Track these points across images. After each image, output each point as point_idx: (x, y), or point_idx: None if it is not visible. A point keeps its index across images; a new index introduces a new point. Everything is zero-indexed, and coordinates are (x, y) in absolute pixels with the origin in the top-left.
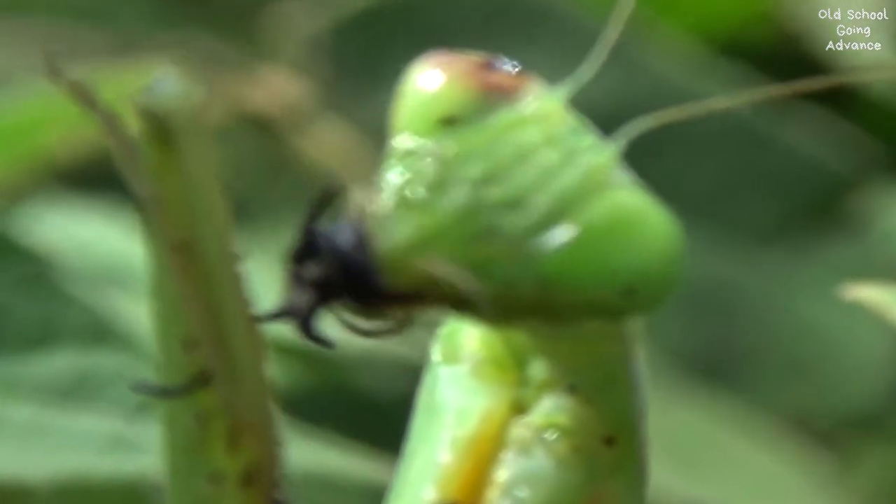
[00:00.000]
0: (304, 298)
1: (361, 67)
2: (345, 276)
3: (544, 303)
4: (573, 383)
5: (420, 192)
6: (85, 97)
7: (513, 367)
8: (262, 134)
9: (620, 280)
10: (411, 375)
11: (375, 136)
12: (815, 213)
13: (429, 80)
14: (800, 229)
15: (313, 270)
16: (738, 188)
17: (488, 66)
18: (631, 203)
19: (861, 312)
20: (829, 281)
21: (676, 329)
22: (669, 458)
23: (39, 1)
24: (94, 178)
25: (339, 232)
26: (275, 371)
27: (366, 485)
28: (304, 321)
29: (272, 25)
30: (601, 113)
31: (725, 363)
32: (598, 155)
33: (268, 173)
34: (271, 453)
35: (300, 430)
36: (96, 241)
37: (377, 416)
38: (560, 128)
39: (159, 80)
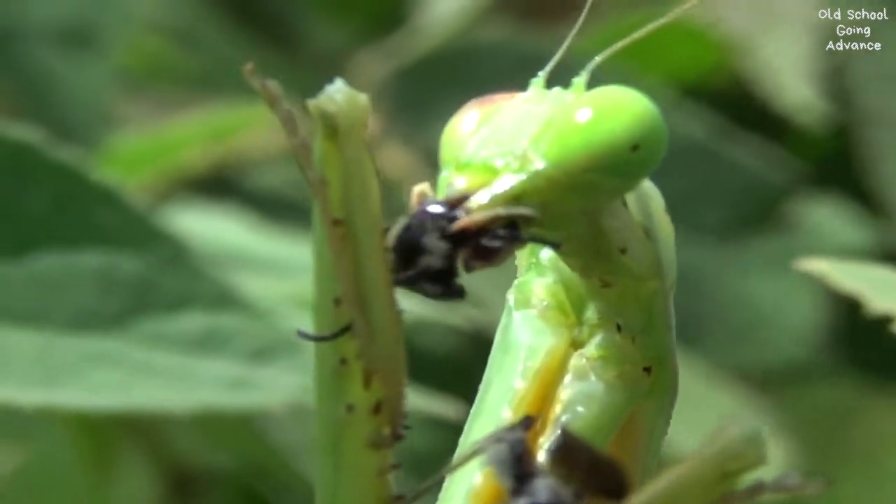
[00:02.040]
0: (437, 262)
1: (418, 105)
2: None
3: (572, 182)
4: (620, 324)
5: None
6: (271, 97)
7: (572, 311)
8: None
9: (629, 137)
10: (458, 338)
11: (429, 158)
12: (755, 216)
13: (453, 128)
14: (744, 228)
15: (432, 233)
16: (696, 197)
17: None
18: (613, 88)
19: (790, 290)
20: (767, 266)
21: None
22: None
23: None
24: (217, 186)
25: (429, 210)
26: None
27: (425, 417)
28: (440, 281)
29: (350, 71)
30: None
31: (688, 329)
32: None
33: None
34: (397, 393)
35: None
36: (220, 233)
37: (431, 368)
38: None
39: (331, 87)
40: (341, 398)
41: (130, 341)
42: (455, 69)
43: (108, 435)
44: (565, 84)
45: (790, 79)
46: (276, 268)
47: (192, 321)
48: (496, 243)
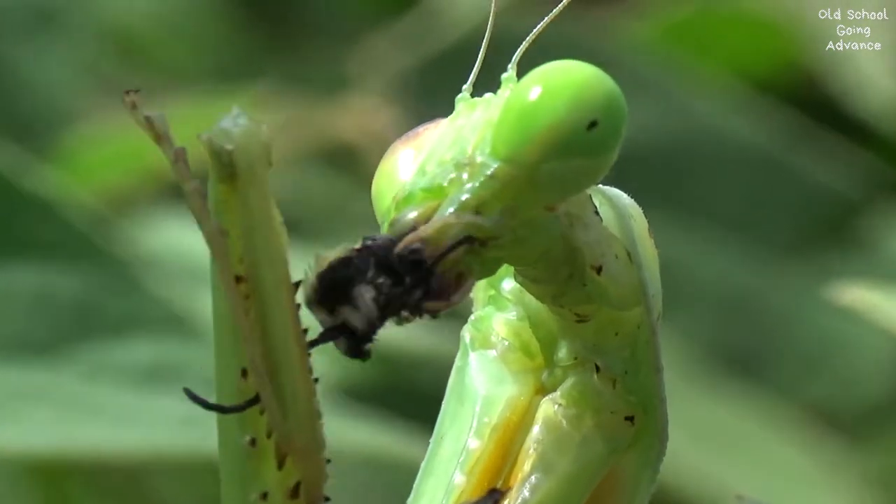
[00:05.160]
0: (364, 314)
1: (443, 100)
2: (397, 269)
3: (531, 177)
4: (598, 364)
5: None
6: (155, 132)
7: (540, 351)
8: (347, 160)
9: (583, 113)
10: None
11: None
12: (828, 231)
13: (385, 176)
14: (815, 244)
15: (370, 285)
16: (760, 209)
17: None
18: (557, 62)
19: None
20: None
21: (708, 331)
22: (699, 446)
23: (142, 31)
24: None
25: (375, 244)
26: (347, 367)
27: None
28: (362, 338)
29: (362, 57)
30: (638, 148)
31: (751, 361)
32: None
33: (351, 197)
34: (317, 473)
35: (364, 418)
36: (192, 244)
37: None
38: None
39: (227, 119)
40: (253, 484)
41: (68, 372)
42: (487, 60)
43: (62, 480)
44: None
45: (874, 76)
46: None
47: (137, 351)
48: (455, 273)
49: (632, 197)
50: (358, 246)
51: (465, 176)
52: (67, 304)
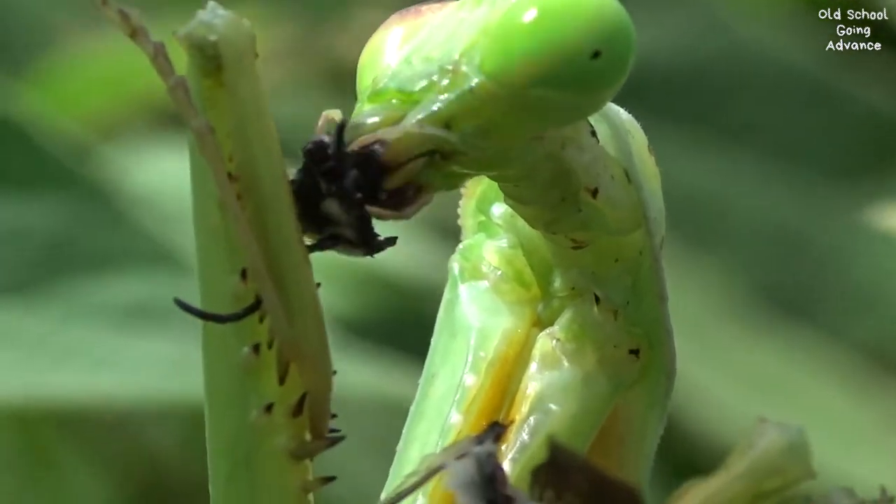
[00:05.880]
0: (347, 218)
1: None
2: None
3: (517, 100)
4: (598, 294)
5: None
6: (131, 27)
7: (535, 281)
8: (352, 83)
9: (587, 41)
10: None
11: None
12: (878, 158)
13: (373, 51)
14: (865, 172)
15: (347, 187)
16: (806, 134)
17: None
18: None
19: None
20: None
21: (748, 266)
22: (734, 390)
23: None
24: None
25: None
26: (355, 299)
27: None
28: (358, 237)
29: None
30: (677, 68)
31: (795, 299)
32: None
33: None
34: (323, 385)
35: (370, 358)
36: (182, 172)
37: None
38: None
39: (205, 12)
40: (254, 397)
41: (42, 313)
42: None
43: (36, 427)
44: None
45: (857, 30)
46: None
47: (122, 287)
48: (411, 185)
49: (663, 122)
50: (300, 166)
51: (444, 83)
52: (43, 238)
